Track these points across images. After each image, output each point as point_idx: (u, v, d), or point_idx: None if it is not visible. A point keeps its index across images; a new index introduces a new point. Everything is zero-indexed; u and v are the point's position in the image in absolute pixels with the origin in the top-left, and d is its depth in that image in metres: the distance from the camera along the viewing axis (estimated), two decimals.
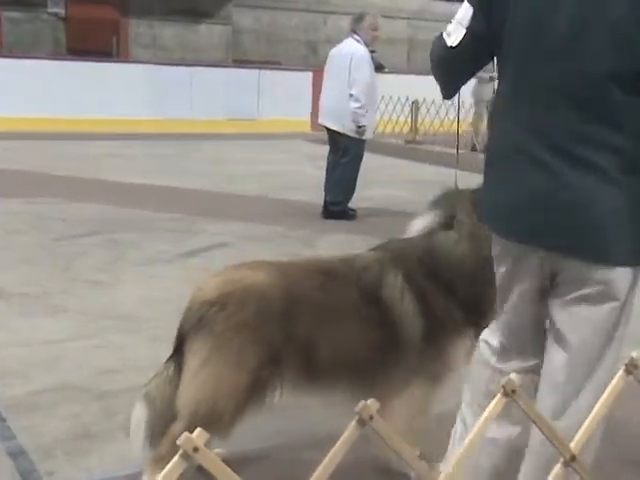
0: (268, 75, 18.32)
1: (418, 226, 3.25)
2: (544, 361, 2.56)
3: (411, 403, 3.06)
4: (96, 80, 16.01)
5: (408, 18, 24.54)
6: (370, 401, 1.14)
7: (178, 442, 1.01)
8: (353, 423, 1.17)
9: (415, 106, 16.83)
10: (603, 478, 2.43)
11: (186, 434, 1.00)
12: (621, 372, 1.43)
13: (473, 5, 2.46)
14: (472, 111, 15.16)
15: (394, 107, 16.99)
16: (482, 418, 1.30)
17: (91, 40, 18.40)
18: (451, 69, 2.63)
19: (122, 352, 4.48)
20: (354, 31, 8.33)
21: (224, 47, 21.13)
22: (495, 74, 11.86)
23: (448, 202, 3.18)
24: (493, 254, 2.62)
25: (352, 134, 8.16)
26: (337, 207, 8.45)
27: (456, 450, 1.28)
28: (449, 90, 2.74)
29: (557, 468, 1.39)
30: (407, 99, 16.80)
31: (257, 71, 18.33)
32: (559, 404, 2.49)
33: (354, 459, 1.62)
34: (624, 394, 1.41)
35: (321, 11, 22.66)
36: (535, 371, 2.59)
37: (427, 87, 19.71)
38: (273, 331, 2.84)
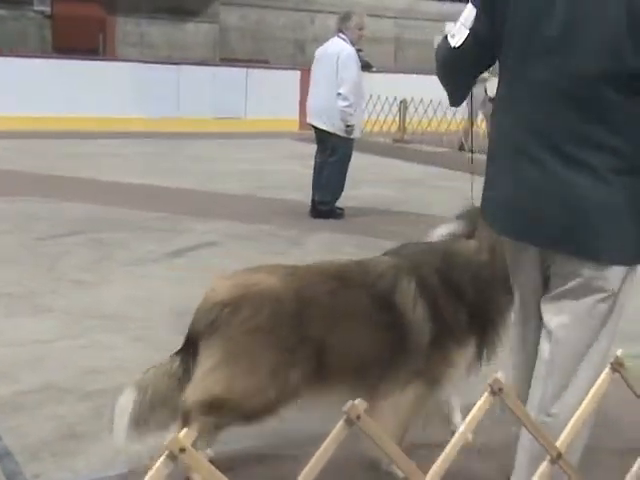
0: (255, 74, 18.29)
1: (440, 233, 3.31)
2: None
3: (409, 403, 3.09)
4: (82, 78, 15.93)
5: (395, 17, 24.55)
6: (358, 401, 1.14)
7: (165, 443, 1.01)
8: (341, 423, 1.17)
9: (403, 105, 16.85)
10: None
11: (172, 435, 1.00)
12: (607, 370, 1.43)
13: (476, 6, 2.50)
14: (465, 111, 15.16)
15: (382, 106, 17.01)
16: (469, 416, 1.30)
17: (77, 38, 18.30)
18: (455, 70, 2.67)
19: (108, 352, 4.46)
20: (340, 30, 8.34)
21: (211, 45, 21.09)
22: (486, 74, 11.84)
23: (472, 216, 3.21)
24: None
25: (341, 133, 8.15)
26: (325, 206, 8.44)
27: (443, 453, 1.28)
28: (456, 97, 2.79)
29: (544, 466, 1.39)
30: (395, 98, 16.82)
31: (244, 70, 18.29)
32: (545, 398, 2.53)
33: (344, 457, 1.61)
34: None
35: (309, 10, 22.65)
36: None
37: (415, 86, 19.84)
38: (287, 334, 2.88)
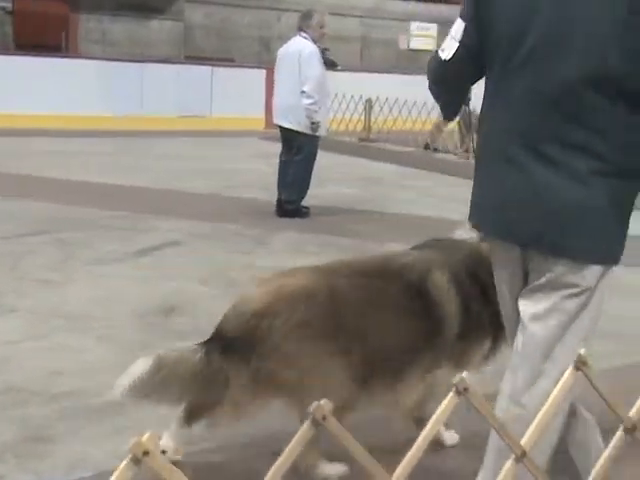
0: (221, 72, 18.20)
1: (464, 233, 3.41)
2: None
3: (435, 387, 3.23)
4: (45, 76, 15.75)
5: (361, 16, 24.59)
6: (323, 401, 1.14)
7: (129, 446, 1.00)
8: (307, 423, 1.17)
9: (369, 104, 16.88)
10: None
11: (135, 438, 0.99)
12: (570, 369, 1.44)
13: (465, 20, 2.57)
14: (434, 113, 15.24)
15: (347, 105, 17.03)
16: (434, 416, 1.31)
17: (39, 35, 18.06)
18: (446, 84, 2.74)
19: (73, 353, 4.41)
20: (302, 29, 8.35)
21: (176, 43, 20.95)
22: None
23: None
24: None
25: (306, 131, 8.16)
26: (291, 205, 8.44)
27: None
28: (449, 111, 2.90)
29: (508, 464, 1.40)
30: (361, 97, 16.85)
31: (209, 68, 18.20)
32: (515, 388, 2.59)
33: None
34: None
35: (274, 8, 22.59)
36: None
37: (380, 85, 19.90)
38: (327, 328, 2.99)
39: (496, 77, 2.53)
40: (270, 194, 8.69)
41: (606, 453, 1.49)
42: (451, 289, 3.17)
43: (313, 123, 8.10)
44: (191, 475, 1.10)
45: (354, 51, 24.47)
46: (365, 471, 1.22)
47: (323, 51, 8.83)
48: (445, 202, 9.69)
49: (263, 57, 21.08)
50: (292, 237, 7.52)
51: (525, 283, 2.61)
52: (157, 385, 2.97)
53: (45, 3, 18.26)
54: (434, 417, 1.31)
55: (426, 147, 15.12)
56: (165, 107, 16.98)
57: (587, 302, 2.51)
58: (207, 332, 4.70)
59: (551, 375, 2.46)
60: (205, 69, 18.12)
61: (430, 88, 2.78)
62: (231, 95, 17.52)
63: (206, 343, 3.09)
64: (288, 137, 8.40)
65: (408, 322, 3.15)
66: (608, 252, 2.48)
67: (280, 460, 1.17)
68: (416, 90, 15.68)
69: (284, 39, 9.43)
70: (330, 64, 18.81)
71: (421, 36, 25.52)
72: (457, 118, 14.84)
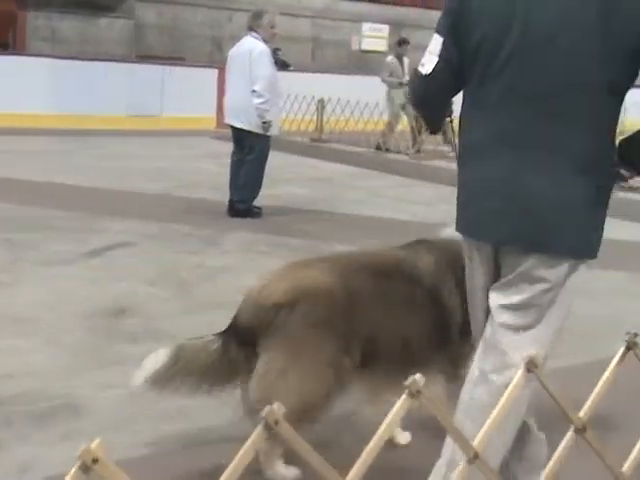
0: (172, 71, 18.07)
1: (451, 232, 3.40)
2: None
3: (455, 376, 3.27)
4: None
5: (313, 17, 24.61)
6: (276, 405, 1.13)
7: (77, 454, 0.98)
8: (259, 427, 1.16)
9: (321, 104, 16.90)
10: None
11: (85, 446, 0.97)
12: (522, 370, 1.45)
13: (442, 34, 2.64)
14: (386, 114, 15.33)
15: (299, 105, 17.03)
16: (387, 419, 1.31)
17: None
18: (429, 97, 2.81)
19: (20, 356, 4.33)
20: (252, 28, 8.33)
21: (126, 42, 20.74)
22: (405, 79, 12.16)
23: None
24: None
25: (258, 130, 8.14)
26: (243, 205, 8.41)
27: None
28: (434, 124, 2.97)
29: (461, 466, 1.41)
30: (313, 97, 16.86)
31: (161, 67, 18.06)
32: (484, 371, 2.67)
33: None
34: None
35: (226, 8, 22.49)
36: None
37: (332, 85, 19.89)
38: (342, 325, 3.04)
39: (475, 83, 2.61)
40: (222, 194, 8.65)
41: (557, 453, 1.51)
42: (453, 284, 3.21)
43: (264, 122, 8.09)
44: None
45: (306, 51, 24.48)
46: (318, 475, 1.21)
47: (274, 51, 8.82)
48: (395, 202, 9.75)
49: (215, 57, 20.98)
50: (243, 237, 7.49)
51: (497, 278, 2.67)
52: (174, 376, 3.02)
53: None
54: (388, 419, 1.31)
55: (378, 148, 15.17)
56: (116, 106, 16.80)
57: (557, 298, 2.58)
58: (158, 333, 4.70)
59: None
60: (156, 68, 17.97)
61: (414, 103, 2.87)
62: (183, 94, 17.40)
63: (224, 333, 3.12)
64: (240, 137, 8.37)
65: (417, 318, 3.22)
66: (585, 246, 2.56)
67: (233, 464, 1.16)
68: (368, 91, 15.86)
69: (236, 39, 9.38)
70: (282, 64, 18.81)
71: (373, 37, 25.63)
72: (406, 117, 14.97)
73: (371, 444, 1.28)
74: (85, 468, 0.98)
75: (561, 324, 2.65)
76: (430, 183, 11.34)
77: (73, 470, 0.98)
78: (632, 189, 9.12)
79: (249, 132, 8.20)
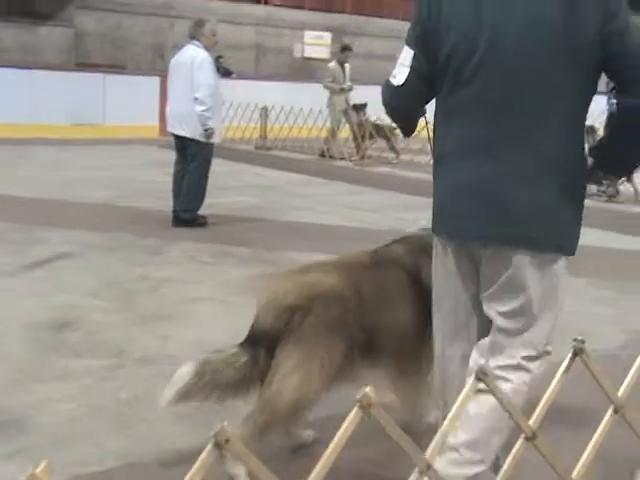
0: (114, 79, 17.86)
1: (422, 224, 3.56)
2: None
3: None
4: None
5: (255, 24, 24.59)
6: (225, 424, 1.11)
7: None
8: (209, 447, 1.14)
9: (264, 112, 16.89)
10: None
11: (30, 470, 0.93)
12: (472, 379, 1.45)
13: (412, 47, 2.72)
14: (328, 120, 15.38)
15: (243, 113, 16.99)
16: (340, 431, 1.29)
17: None
18: (402, 106, 2.89)
19: None
20: (194, 37, 8.30)
21: (66, 50, 20.46)
22: (347, 85, 12.27)
23: None
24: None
25: (200, 138, 8.09)
26: (187, 214, 8.33)
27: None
28: (407, 130, 3.02)
29: (413, 476, 1.41)
30: (256, 105, 16.84)
31: (102, 75, 17.84)
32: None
33: None
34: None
35: (168, 15, 22.35)
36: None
37: (276, 93, 19.93)
38: (352, 325, 3.14)
39: (447, 92, 2.68)
40: (166, 203, 8.55)
41: (508, 460, 1.51)
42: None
43: (206, 130, 8.04)
44: None
45: (249, 59, 24.45)
46: None
47: (217, 59, 8.82)
48: (342, 209, 9.76)
49: (157, 64, 20.82)
50: (188, 247, 7.42)
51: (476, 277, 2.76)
52: (201, 390, 3.03)
53: None
54: (340, 432, 1.29)
55: (322, 154, 15.22)
56: (56, 115, 16.55)
57: (546, 299, 2.67)
58: (102, 346, 4.62)
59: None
60: (97, 76, 17.74)
61: (387, 112, 2.93)
62: (124, 103, 17.22)
63: (247, 343, 3.12)
64: (182, 145, 8.31)
65: (413, 308, 3.32)
66: (563, 242, 2.65)
67: None
68: (311, 98, 15.91)
69: (178, 47, 9.32)
70: (225, 72, 18.80)
71: (315, 44, 25.72)
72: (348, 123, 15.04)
73: (323, 458, 1.26)
74: None
75: (554, 321, 2.74)
76: (375, 189, 11.42)
77: None
78: (589, 196, 9.27)
79: (191, 140, 8.15)
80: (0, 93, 15.96)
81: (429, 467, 1.37)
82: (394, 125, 14.82)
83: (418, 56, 2.70)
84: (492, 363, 2.70)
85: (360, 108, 14.83)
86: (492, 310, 2.72)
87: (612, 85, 2.59)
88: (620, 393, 1.60)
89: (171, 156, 8.78)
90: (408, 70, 2.71)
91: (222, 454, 1.14)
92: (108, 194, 10.03)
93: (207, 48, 8.26)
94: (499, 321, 2.71)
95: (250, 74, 22.47)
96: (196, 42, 8.25)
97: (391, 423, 1.32)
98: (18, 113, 16.02)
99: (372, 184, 11.85)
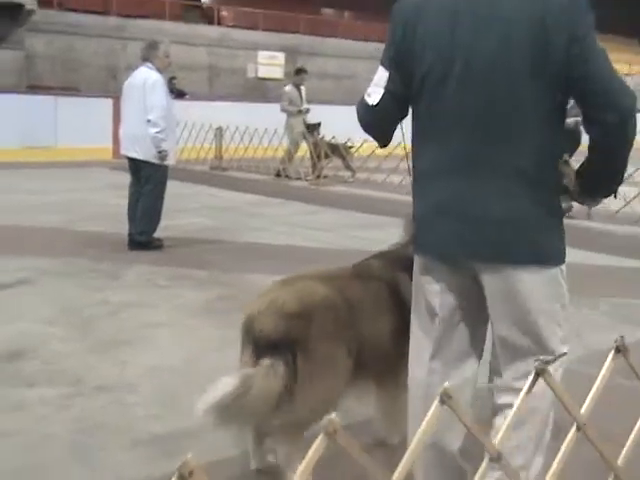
0: (66, 102, 17.71)
1: (398, 242, 3.66)
2: None
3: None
4: None
5: (208, 45, 24.61)
6: (189, 457, 1.09)
7: None
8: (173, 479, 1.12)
9: (219, 132, 16.87)
10: None
11: None
12: (436, 402, 1.44)
13: (387, 68, 2.74)
14: (285, 140, 15.40)
15: (197, 134, 16.95)
16: (306, 459, 1.28)
17: None
18: (376, 124, 2.92)
19: None
20: (147, 59, 8.26)
21: (16, 73, 20.25)
22: (304, 107, 12.38)
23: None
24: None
25: (154, 160, 8.04)
26: (143, 237, 8.26)
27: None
28: (383, 141, 3.00)
29: None
30: (210, 126, 16.81)
31: (53, 97, 17.68)
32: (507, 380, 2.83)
33: None
34: None
35: (120, 37, 22.27)
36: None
37: (230, 113, 19.92)
38: (345, 333, 3.21)
39: (423, 111, 2.70)
40: (120, 226, 8.47)
41: None
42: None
43: (160, 152, 7.99)
44: None
45: (202, 80, 24.45)
46: None
47: (170, 80, 8.78)
48: (299, 229, 9.76)
49: (110, 86, 20.70)
50: (145, 270, 7.34)
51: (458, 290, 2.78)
52: (244, 407, 2.90)
53: None
54: (305, 459, 1.28)
55: (277, 174, 15.23)
56: (6, 138, 16.35)
57: (550, 305, 2.69)
58: (59, 375, 4.53)
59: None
60: (48, 99, 17.59)
61: (362, 128, 2.95)
62: (77, 125, 17.08)
63: (275, 355, 3.03)
64: (136, 167, 8.25)
65: (395, 318, 3.38)
66: (550, 251, 2.67)
67: None
68: (265, 118, 15.93)
69: (131, 68, 9.28)
70: (178, 93, 18.74)
71: (268, 65, 25.82)
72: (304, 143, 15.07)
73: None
74: None
75: (562, 324, 2.75)
76: (332, 209, 11.45)
77: None
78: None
79: (145, 162, 8.09)
80: None
81: None
82: (349, 144, 14.95)
83: (393, 76, 2.72)
84: (506, 376, 2.77)
85: (314, 128, 14.89)
86: (494, 326, 2.76)
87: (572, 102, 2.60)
88: (582, 411, 1.60)
89: (125, 179, 8.71)
90: (383, 91, 2.74)
91: None
92: (62, 218, 9.91)
93: (160, 70, 8.23)
94: (503, 335, 2.73)
95: (204, 95, 22.46)
96: (149, 64, 8.21)
97: (356, 449, 1.31)
98: None
99: (328, 203, 11.89)
